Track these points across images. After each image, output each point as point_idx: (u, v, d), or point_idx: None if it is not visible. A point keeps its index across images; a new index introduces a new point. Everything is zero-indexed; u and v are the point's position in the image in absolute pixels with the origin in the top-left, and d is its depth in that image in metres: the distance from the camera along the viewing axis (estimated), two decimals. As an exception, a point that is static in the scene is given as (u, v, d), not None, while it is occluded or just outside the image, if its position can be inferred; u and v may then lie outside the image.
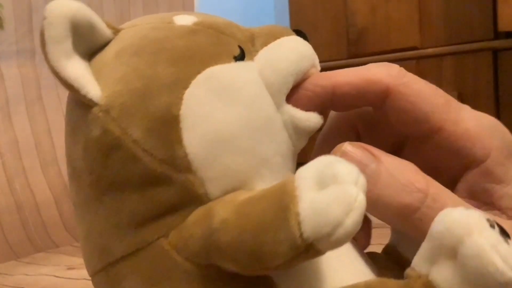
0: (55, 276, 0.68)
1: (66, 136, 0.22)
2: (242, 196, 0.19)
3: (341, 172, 0.17)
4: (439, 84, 0.22)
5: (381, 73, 0.22)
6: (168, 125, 0.20)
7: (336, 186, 0.17)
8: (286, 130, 0.22)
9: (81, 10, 0.20)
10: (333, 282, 0.19)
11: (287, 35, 0.23)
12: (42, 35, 0.20)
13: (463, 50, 1.06)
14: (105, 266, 0.21)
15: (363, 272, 0.21)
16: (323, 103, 0.22)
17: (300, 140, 0.22)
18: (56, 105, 0.98)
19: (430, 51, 1.10)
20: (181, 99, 0.20)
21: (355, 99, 0.22)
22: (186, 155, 0.20)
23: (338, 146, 0.21)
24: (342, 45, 1.23)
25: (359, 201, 0.17)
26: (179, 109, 0.20)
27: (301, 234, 0.16)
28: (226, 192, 0.20)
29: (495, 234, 0.16)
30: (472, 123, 0.21)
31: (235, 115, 0.20)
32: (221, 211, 0.19)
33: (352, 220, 0.16)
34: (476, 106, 0.23)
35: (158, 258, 0.20)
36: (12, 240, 0.84)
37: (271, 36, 0.22)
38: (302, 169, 0.18)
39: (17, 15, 0.94)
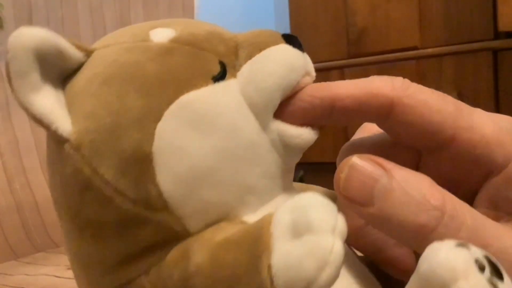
0: (55, 276, 0.68)
1: (47, 165, 0.21)
2: (219, 235, 0.18)
3: (316, 220, 0.16)
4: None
5: (384, 85, 0.20)
6: (140, 164, 0.18)
7: (310, 237, 0.16)
8: (275, 150, 0.20)
9: (45, 38, 0.19)
10: None
11: (275, 43, 0.20)
12: (7, 69, 0.18)
13: (463, 50, 1.06)
14: None
15: None
16: (321, 116, 0.21)
17: (292, 157, 0.21)
18: (56, 105, 0.98)
19: (430, 51, 1.10)
20: (152, 134, 0.18)
21: (356, 113, 0.20)
22: (161, 194, 0.18)
23: (346, 160, 0.19)
24: (342, 45, 1.23)
25: (335, 252, 0.16)
26: (151, 145, 0.18)
27: None
28: (207, 225, 0.19)
29: (482, 279, 0.15)
30: (488, 128, 0.19)
31: (213, 146, 0.19)
32: (197, 253, 0.18)
33: (327, 276, 0.16)
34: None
35: None
36: (12, 240, 0.84)
37: (256, 46, 0.20)
38: (279, 214, 0.17)
39: (17, 15, 0.94)
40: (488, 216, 0.19)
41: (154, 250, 0.19)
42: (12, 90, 0.19)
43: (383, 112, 0.20)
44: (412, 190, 0.18)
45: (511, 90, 1.01)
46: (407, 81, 0.21)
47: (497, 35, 1.02)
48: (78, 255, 0.21)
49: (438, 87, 0.23)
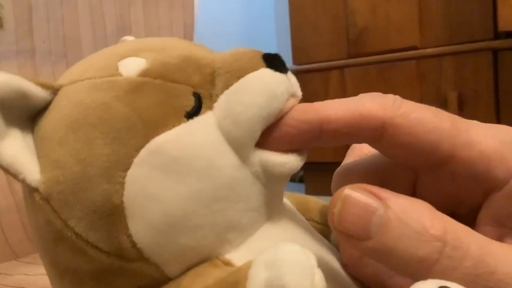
0: (55, 276, 0.68)
1: (25, 206, 0.21)
2: (198, 284, 0.18)
3: (291, 284, 0.15)
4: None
5: (375, 106, 0.19)
6: (110, 216, 0.18)
7: None
8: (258, 181, 0.19)
9: (3, 83, 0.18)
10: None
11: (254, 69, 0.19)
12: None
13: (463, 50, 1.06)
14: None
15: None
16: (309, 141, 0.19)
17: (278, 184, 0.20)
18: (56, 105, 0.98)
19: (430, 51, 1.10)
20: (122, 183, 0.17)
21: (347, 136, 0.19)
22: (134, 244, 0.18)
23: (338, 192, 0.18)
24: (342, 45, 1.23)
25: None
26: (121, 195, 0.17)
27: None
28: (188, 268, 0.19)
29: None
30: (487, 143, 0.19)
31: (188, 190, 0.18)
32: None
33: None
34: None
35: None
36: (12, 240, 0.84)
37: (234, 74, 0.19)
38: (255, 268, 0.16)
39: (17, 15, 0.94)
40: (493, 233, 0.18)
41: None
42: None
43: (375, 134, 0.19)
44: (411, 220, 0.17)
45: (511, 90, 1.01)
46: (398, 98, 0.19)
47: (497, 35, 1.02)
48: None
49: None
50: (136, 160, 0.18)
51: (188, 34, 1.35)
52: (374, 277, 0.21)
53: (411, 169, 0.21)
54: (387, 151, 0.20)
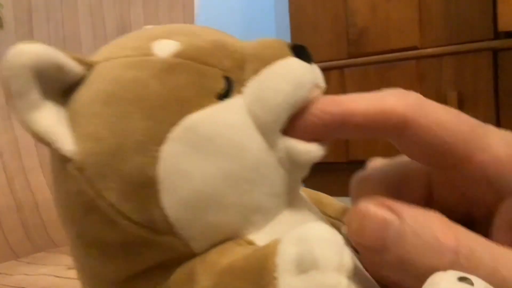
0: (55, 276, 0.68)
1: (52, 180, 0.21)
2: (224, 260, 0.18)
3: (321, 257, 0.16)
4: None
5: (398, 103, 0.19)
6: (144, 188, 0.18)
7: (315, 274, 0.16)
8: (282, 167, 0.20)
9: (43, 55, 0.18)
10: None
11: (282, 57, 0.20)
12: (6, 88, 0.18)
13: (463, 50, 1.06)
14: None
15: None
16: (331, 132, 0.20)
17: (300, 172, 0.21)
18: (56, 105, 0.98)
19: (430, 51, 1.10)
20: (156, 157, 0.18)
21: (368, 130, 0.20)
22: (165, 217, 0.18)
23: (355, 208, 0.18)
24: (342, 45, 1.23)
25: None
26: (155, 169, 0.18)
27: None
28: (213, 246, 0.19)
29: None
30: (502, 150, 0.19)
31: (218, 169, 0.18)
32: (202, 277, 0.18)
33: None
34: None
35: None
36: (12, 240, 0.85)
37: (263, 61, 0.20)
38: (285, 244, 0.17)
39: (17, 15, 0.94)
40: (507, 238, 0.19)
41: (159, 270, 0.19)
42: (13, 109, 0.18)
43: (396, 130, 0.20)
44: (423, 232, 0.17)
45: (511, 90, 1.01)
46: (420, 97, 0.20)
47: (497, 35, 1.02)
48: (85, 269, 0.21)
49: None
50: (170, 135, 0.18)
51: (188, 34, 1.35)
52: (392, 282, 0.22)
53: (425, 176, 0.21)
54: (405, 148, 0.20)
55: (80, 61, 0.20)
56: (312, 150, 0.20)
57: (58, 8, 1.02)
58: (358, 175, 0.23)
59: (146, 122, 0.18)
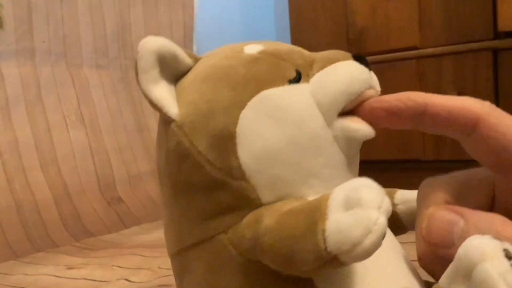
0: (55, 276, 0.68)
1: (156, 145, 0.27)
2: (286, 206, 0.22)
3: (366, 197, 0.19)
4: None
5: (474, 102, 0.22)
6: (225, 140, 0.23)
7: (359, 210, 0.19)
8: (337, 144, 0.24)
9: (165, 45, 0.25)
10: (369, 287, 0.22)
11: (344, 60, 0.25)
12: (135, 66, 0.25)
13: (463, 50, 1.06)
14: (179, 251, 0.26)
15: (401, 280, 0.23)
16: (412, 117, 0.23)
17: (352, 148, 0.24)
18: (56, 105, 0.98)
19: (430, 51, 1.10)
20: (237, 118, 0.23)
21: (445, 121, 0.23)
22: (240, 165, 0.23)
23: (424, 213, 0.22)
24: (342, 45, 1.23)
25: (379, 224, 0.19)
26: (234, 127, 0.23)
27: (325, 248, 0.19)
28: (276, 198, 0.23)
29: (506, 263, 0.18)
30: None
31: (283, 133, 0.23)
32: (267, 218, 0.22)
33: (371, 241, 0.19)
34: None
35: (218, 250, 0.24)
36: (12, 240, 0.84)
37: (328, 61, 0.25)
38: (336, 190, 0.20)
39: (17, 15, 0.94)
40: None
41: (231, 213, 0.23)
42: (138, 81, 0.25)
43: (469, 125, 0.22)
44: (487, 229, 0.20)
45: (511, 90, 1.01)
46: (493, 105, 0.22)
47: (497, 35, 1.02)
48: (173, 215, 0.26)
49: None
50: (249, 103, 0.23)
51: (188, 34, 1.35)
52: (441, 271, 0.24)
53: (489, 183, 0.23)
54: (473, 146, 0.23)
55: (191, 56, 0.26)
56: (362, 128, 0.24)
57: (58, 8, 1.02)
58: (426, 181, 0.25)
59: (232, 92, 0.24)
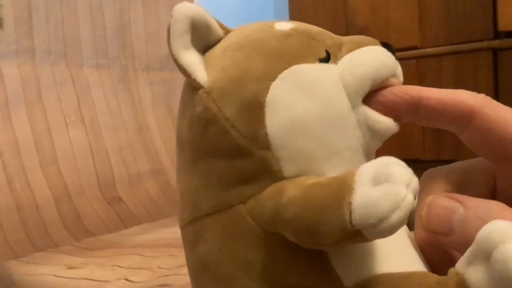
0: (55, 275, 0.68)
1: (178, 113, 0.27)
2: (311, 180, 0.22)
3: (395, 173, 0.19)
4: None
5: (468, 95, 0.23)
6: (254, 109, 0.23)
7: (388, 185, 0.19)
8: (360, 129, 0.24)
9: (200, 12, 0.25)
10: (382, 267, 0.22)
11: (373, 45, 0.26)
12: (168, 29, 0.24)
13: (463, 49, 1.06)
14: (193, 220, 0.25)
15: (413, 263, 0.23)
16: (407, 110, 0.23)
17: (373, 140, 0.24)
18: (56, 104, 0.98)
19: (430, 50, 1.10)
20: (267, 88, 0.23)
21: (440, 114, 0.23)
22: (266, 135, 0.23)
23: (423, 201, 0.22)
24: (342, 45, 1.23)
25: (407, 200, 0.19)
26: (265, 96, 0.23)
27: (350, 221, 0.19)
28: (298, 173, 0.23)
29: None
30: None
31: (312, 107, 0.23)
32: (291, 190, 0.22)
33: (397, 216, 0.18)
34: None
35: (236, 220, 0.23)
36: (12, 240, 0.84)
37: (357, 44, 0.25)
38: (364, 166, 0.20)
39: (17, 14, 0.94)
40: None
41: (252, 183, 0.23)
42: (169, 45, 0.24)
43: (464, 117, 0.22)
44: (485, 216, 0.20)
45: (511, 90, 1.01)
46: (488, 97, 0.23)
47: (497, 34, 1.02)
48: (190, 183, 0.26)
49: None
50: (280, 75, 0.24)
51: (188, 34, 1.35)
52: (440, 260, 0.24)
53: (489, 172, 0.24)
54: (470, 138, 0.23)
55: (222, 27, 0.27)
56: (384, 121, 0.24)
57: (58, 8, 1.02)
58: (427, 172, 0.25)
59: (265, 64, 0.24)
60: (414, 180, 0.19)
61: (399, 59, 0.27)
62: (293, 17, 1.33)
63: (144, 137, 1.12)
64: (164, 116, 1.17)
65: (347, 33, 1.22)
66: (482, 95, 0.23)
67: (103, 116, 1.05)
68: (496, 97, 1.02)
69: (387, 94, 0.24)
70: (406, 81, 0.26)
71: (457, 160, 0.25)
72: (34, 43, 0.97)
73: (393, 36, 1.14)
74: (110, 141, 1.05)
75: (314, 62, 0.24)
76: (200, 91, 0.24)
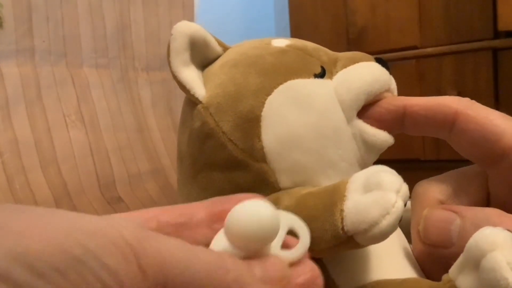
0: (55, 275, 0.68)
1: (179, 127, 0.28)
2: (305, 190, 0.23)
3: (385, 181, 0.20)
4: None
5: (451, 99, 0.23)
6: (250, 123, 0.24)
7: (378, 192, 0.20)
8: (355, 142, 0.24)
9: (198, 30, 0.26)
10: (378, 274, 0.22)
11: (367, 60, 0.26)
12: (168, 47, 0.25)
13: (463, 49, 1.06)
14: None
15: (407, 269, 0.23)
16: (394, 120, 0.24)
17: (369, 154, 0.25)
18: (56, 104, 0.98)
19: (430, 50, 1.10)
20: (263, 103, 0.24)
21: (425, 119, 0.23)
22: (262, 148, 0.24)
23: (419, 214, 0.22)
24: (342, 45, 1.23)
25: (397, 207, 0.19)
26: (261, 111, 0.24)
27: (342, 227, 0.20)
28: (294, 184, 0.24)
29: None
30: None
31: (306, 121, 0.24)
32: (286, 199, 0.23)
33: (388, 222, 0.19)
34: None
35: None
36: (12, 240, 0.84)
37: (352, 60, 0.26)
38: (356, 174, 0.21)
39: (17, 14, 0.94)
40: None
41: None
42: (169, 62, 0.25)
43: (448, 120, 0.22)
44: (483, 223, 0.20)
45: (511, 90, 1.01)
46: (473, 100, 0.23)
47: (497, 34, 1.02)
48: (190, 195, 0.26)
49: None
50: (276, 90, 0.24)
51: (188, 33, 1.35)
52: (440, 270, 0.24)
53: (480, 179, 0.24)
54: (457, 141, 0.23)
55: (220, 44, 0.28)
56: (378, 134, 0.24)
57: (58, 8, 1.01)
58: (419, 183, 0.26)
59: (261, 78, 0.25)
60: (404, 187, 0.20)
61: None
62: (293, 17, 1.33)
63: (144, 137, 1.12)
64: (164, 116, 1.17)
65: (347, 33, 1.22)
66: (467, 99, 0.23)
67: (103, 116, 1.05)
68: (496, 97, 1.02)
69: (375, 108, 0.24)
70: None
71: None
72: (34, 43, 0.97)
73: (393, 36, 1.14)
74: (110, 141, 1.04)
75: (309, 77, 0.25)
76: (199, 106, 0.25)
